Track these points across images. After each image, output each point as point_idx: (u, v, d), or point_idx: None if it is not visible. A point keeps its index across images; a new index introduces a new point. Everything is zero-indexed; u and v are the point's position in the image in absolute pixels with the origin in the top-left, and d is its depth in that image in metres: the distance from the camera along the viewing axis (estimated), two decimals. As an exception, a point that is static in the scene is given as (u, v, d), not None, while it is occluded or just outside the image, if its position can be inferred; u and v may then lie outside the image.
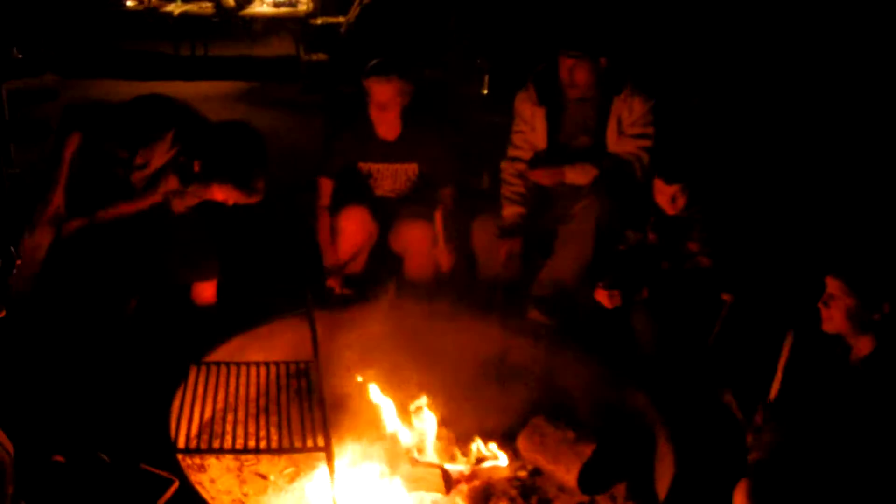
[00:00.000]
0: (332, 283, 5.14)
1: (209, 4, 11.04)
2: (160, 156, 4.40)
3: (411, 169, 5.34)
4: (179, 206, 4.61)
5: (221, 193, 4.44)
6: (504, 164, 5.30)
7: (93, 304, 4.63)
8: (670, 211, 4.51)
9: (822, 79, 6.48)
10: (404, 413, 4.10)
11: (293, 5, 11.05)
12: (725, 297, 4.32)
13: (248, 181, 4.40)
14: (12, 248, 2.32)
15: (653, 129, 5.03)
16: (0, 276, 2.31)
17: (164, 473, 2.80)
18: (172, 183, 4.48)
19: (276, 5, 11.09)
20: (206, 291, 4.91)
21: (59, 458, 2.64)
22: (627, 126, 5.04)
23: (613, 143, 5.08)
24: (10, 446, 2.39)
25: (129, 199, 4.44)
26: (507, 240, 5.11)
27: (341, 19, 9.59)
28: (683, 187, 4.43)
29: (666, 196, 4.49)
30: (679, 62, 6.73)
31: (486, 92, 7.09)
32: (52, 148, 4.35)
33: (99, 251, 4.52)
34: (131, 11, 11.29)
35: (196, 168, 4.40)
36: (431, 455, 3.98)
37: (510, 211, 5.20)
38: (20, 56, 7.81)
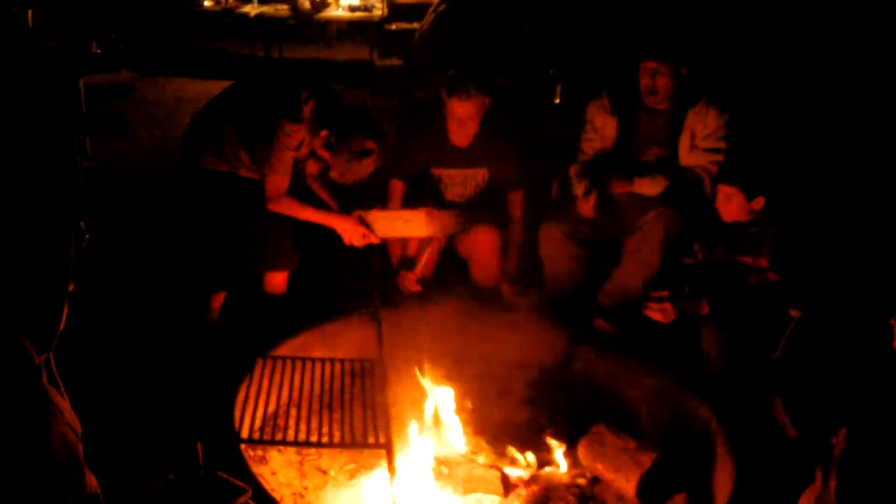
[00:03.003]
0: (402, 282, 5.20)
1: (285, 7, 11.17)
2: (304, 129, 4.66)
3: (481, 175, 5.36)
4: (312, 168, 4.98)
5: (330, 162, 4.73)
6: (572, 170, 5.32)
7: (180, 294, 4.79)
8: (734, 219, 4.48)
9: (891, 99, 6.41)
10: (466, 415, 4.12)
11: (368, 10, 11.14)
12: (793, 312, 4.26)
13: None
14: (82, 223, 2.32)
15: (725, 143, 4.98)
16: (72, 250, 2.31)
17: (240, 483, 2.83)
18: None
19: (352, 10, 11.18)
20: (277, 280, 5.00)
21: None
22: (700, 139, 5.01)
23: (685, 156, 5.05)
24: (78, 426, 2.40)
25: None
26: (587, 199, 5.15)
27: (415, 25, 9.69)
28: (760, 201, 4.39)
29: (735, 208, 4.45)
30: (754, 79, 6.68)
31: (558, 101, 7.09)
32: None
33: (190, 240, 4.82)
34: (208, 12, 11.46)
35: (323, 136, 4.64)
36: (491, 457, 3.99)
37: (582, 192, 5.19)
38: (99, 51, 7.96)
